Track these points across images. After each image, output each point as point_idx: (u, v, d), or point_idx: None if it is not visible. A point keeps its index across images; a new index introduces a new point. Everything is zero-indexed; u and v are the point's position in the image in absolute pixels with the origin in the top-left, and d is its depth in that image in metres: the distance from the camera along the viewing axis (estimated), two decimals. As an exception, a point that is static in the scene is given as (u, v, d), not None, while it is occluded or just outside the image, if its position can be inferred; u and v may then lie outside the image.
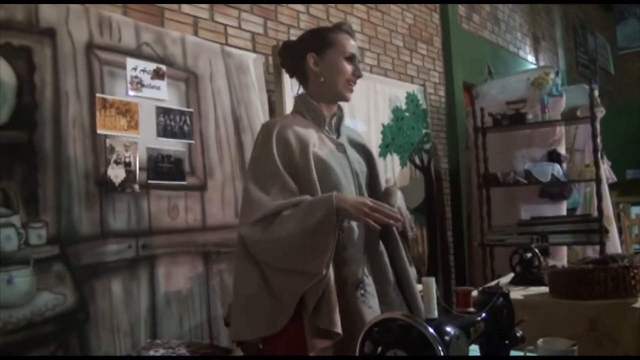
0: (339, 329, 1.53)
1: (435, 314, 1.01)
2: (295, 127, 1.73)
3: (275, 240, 1.56)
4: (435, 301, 1.01)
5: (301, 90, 1.90)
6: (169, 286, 2.38)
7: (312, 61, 1.81)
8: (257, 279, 1.61)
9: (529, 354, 1.52)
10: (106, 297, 2.19)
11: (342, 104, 1.91)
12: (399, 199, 1.81)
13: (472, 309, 1.30)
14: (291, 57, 1.89)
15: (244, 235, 1.62)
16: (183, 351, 2.07)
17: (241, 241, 1.66)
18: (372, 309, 1.62)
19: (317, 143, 1.73)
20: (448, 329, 0.99)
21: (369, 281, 1.67)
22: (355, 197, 1.66)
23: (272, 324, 1.58)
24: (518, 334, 1.37)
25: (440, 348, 0.91)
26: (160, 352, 2.08)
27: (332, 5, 3.75)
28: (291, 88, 1.97)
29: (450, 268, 4.90)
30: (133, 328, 2.26)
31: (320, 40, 1.83)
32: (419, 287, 1.39)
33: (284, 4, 3.34)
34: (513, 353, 1.48)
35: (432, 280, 1.02)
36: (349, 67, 1.81)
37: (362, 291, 1.63)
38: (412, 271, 1.80)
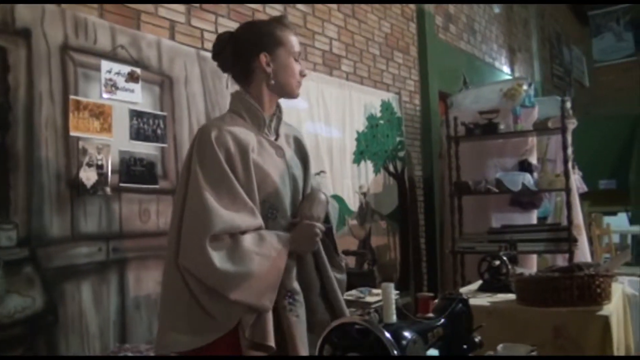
0: (272, 342, 1.53)
1: (394, 318, 1.04)
2: (234, 130, 1.65)
3: (234, 275, 1.51)
4: (393, 306, 1.03)
5: (235, 87, 1.81)
6: (138, 290, 2.38)
7: (264, 61, 1.72)
8: (188, 290, 1.55)
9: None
10: (76, 300, 2.18)
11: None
12: (316, 205, 1.75)
13: (431, 315, 1.33)
14: (235, 53, 1.76)
15: (200, 254, 1.50)
16: (152, 354, 2.08)
17: (174, 248, 1.57)
18: (299, 317, 1.61)
19: (256, 148, 1.68)
20: (405, 333, 1.01)
21: (297, 289, 1.65)
22: (305, 232, 1.67)
23: (205, 336, 1.54)
24: (476, 339, 1.40)
25: (396, 352, 0.93)
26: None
27: (310, 12, 3.78)
28: (226, 84, 1.85)
29: (423, 275, 4.95)
30: (102, 332, 2.26)
31: (271, 40, 1.75)
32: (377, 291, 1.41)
33: (261, 11, 3.36)
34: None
35: (391, 285, 1.05)
36: (297, 67, 1.79)
37: (290, 300, 1.61)
38: (341, 277, 1.80)
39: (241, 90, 1.78)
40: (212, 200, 1.53)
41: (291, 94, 1.81)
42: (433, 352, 1.34)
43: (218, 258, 1.50)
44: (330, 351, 1.01)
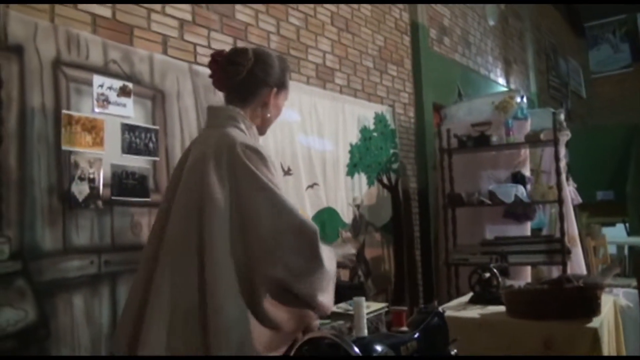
0: None
1: (365, 332, 1.06)
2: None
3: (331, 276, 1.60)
4: (364, 320, 1.05)
5: (221, 101, 1.88)
6: (130, 302, 2.39)
7: (270, 95, 1.85)
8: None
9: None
10: (68, 313, 2.19)
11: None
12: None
13: (405, 328, 1.35)
14: (251, 73, 1.83)
15: (315, 231, 1.60)
16: (142, 367, 2.09)
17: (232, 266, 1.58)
18: None
19: None
20: (376, 347, 1.03)
21: None
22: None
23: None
24: (452, 352, 1.42)
25: (365, 365, 0.96)
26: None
27: (303, 26, 3.82)
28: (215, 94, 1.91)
29: (418, 287, 4.95)
30: (94, 344, 2.27)
31: (282, 80, 1.89)
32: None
33: (254, 26, 3.39)
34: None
35: (362, 299, 1.07)
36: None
37: None
38: None
39: (239, 110, 1.82)
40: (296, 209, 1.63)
41: (263, 132, 1.93)
42: (408, 365, 1.36)
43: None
44: (302, 364, 1.04)
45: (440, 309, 1.43)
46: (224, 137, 1.73)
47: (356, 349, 0.96)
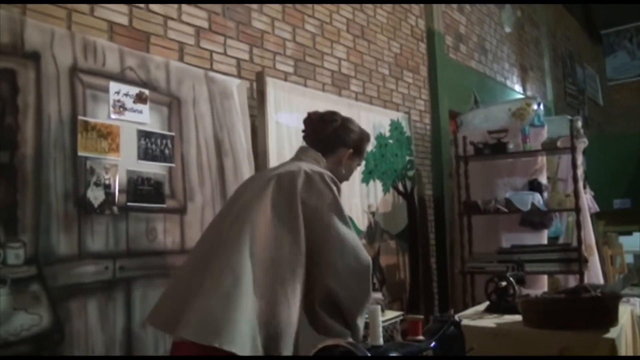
0: None
1: (381, 341, 1.05)
2: None
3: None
4: (380, 329, 1.04)
5: (307, 147, 2.12)
6: (145, 309, 2.38)
7: (346, 155, 2.10)
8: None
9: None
10: (82, 318, 2.19)
11: None
12: None
13: (421, 337, 1.33)
14: (335, 131, 2.10)
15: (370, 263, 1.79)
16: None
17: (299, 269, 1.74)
18: None
19: None
20: (392, 355, 1.02)
21: None
22: None
23: None
24: (469, 362, 1.40)
25: (380, 374, 0.94)
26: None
27: (319, 33, 3.82)
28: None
29: (434, 295, 4.92)
30: (108, 350, 2.27)
31: (361, 146, 2.16)
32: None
33: (270, 33, 3.40)
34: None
35: (378, 308, 1.05)
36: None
37: None
38: None
39: (322, 157, 2.07)
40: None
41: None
42: (423, 375, 1.34)
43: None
44: (317, 374, 1.03)
45: (456, 317, 1.41)
46: (305, 165, 1.95)
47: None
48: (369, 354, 0.94)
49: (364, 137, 2.18)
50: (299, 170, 1.86)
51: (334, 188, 1.87)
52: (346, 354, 0.96)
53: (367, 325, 1.67)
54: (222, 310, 1.62)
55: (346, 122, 2.15)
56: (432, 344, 1.26)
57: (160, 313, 1.90)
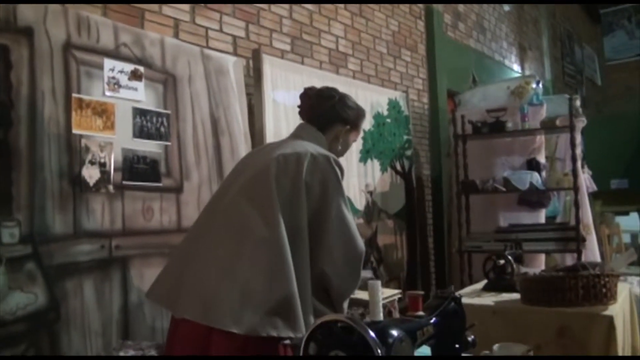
0: None
1: (381, 316, 1.03)
2: None
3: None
4: (380, 305, 1.03)
5: (306, 124, 2.07)
6: (141, 287, 2.38)
7: (342, 131, 2.06)
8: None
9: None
10: (78, 297, 2.19)
11: None
12: None
13: (421, 313, 1.32)
14: (332, 108, 2.06)
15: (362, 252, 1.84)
16: (153, 352, 2.08)
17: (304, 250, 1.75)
18: None
19: None
20: (392, 331, 1.01)
21: None
22: None
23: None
24: (469, 338, 1.39)
25: (380, 351, 0.93)
26: (130, 353, 2.09)
27: (316, 10, 3.77)
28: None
29: (431, 274, 4.93)
30: (104, 329, 2.26)
31: (357, 123, 2.12)
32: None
33: (267, 10, 3.36)
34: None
35: (378, 283, 1.04)
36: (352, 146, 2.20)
37: None
38: None
39: (321, 134, 2.04)
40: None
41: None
42: (424, 350, 1.34)
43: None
44: (315, 349, 1.01)
45: (457, 294, 1.40)
46: (309, 146, 1.92)
47: (371, 333, 0.94)
48: (369, 329, 0.92)
49: (360, 113, 2.16)
50: (305, 152, 1.82)
51: (339, 172, 1.86)
52: (346, 330, 0.94)
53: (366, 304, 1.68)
54: (226, 292, 1.62)
55: (344, 99, 2.12)
56: (433, 320, 1.25)
57: (160, 288, 1.88)
